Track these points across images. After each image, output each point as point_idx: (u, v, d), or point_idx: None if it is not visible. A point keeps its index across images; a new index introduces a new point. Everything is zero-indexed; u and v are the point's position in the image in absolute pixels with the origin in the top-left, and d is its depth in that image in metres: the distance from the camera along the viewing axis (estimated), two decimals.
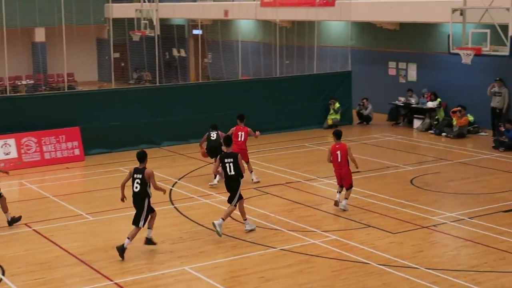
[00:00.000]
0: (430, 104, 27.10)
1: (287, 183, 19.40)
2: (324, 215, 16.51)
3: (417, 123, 27.34)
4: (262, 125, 25.37)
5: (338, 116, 27.86)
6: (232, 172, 15.06)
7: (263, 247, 14.26)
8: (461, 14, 20.01)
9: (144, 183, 14.09)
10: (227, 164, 15.11)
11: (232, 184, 15.16)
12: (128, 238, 13.96)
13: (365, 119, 28.53)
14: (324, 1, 29.74)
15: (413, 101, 28.04)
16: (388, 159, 21.95)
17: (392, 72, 30.14)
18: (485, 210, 16.51)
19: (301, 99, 27.27)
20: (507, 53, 18.94)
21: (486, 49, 19.51)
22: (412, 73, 29.31)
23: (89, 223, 16.33)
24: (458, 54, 20.24)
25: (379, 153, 22.93)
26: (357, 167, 17.04)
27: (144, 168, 14.28)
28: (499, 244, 14.14)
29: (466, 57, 19.89)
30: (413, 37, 28.91)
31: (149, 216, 14.20)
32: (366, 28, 30.92)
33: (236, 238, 14.85)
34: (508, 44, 18.71)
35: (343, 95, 28.35)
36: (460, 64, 20.68)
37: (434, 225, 15.47)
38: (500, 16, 19.02)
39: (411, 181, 19.30)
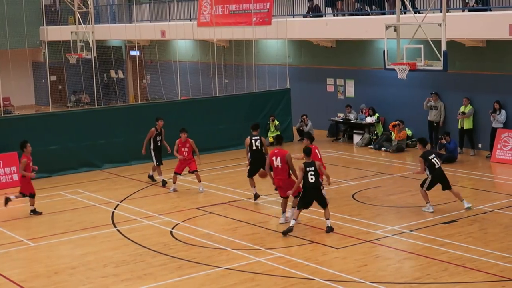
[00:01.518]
0: (369, 120, 27.47)
1: (230, 202, 19.40)
2: (268, 233, 16.53)
3: (356, 138, 27.68)
4: (203, 145, 25.36)
5: (278, 133, 27.98)
6: None
7: (208, 267, 14.20)
8: (395, 30, 20.34)
9: None
10: None
11: None
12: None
13: (305, 136, 28.69)
14: (261, 20, 29.93)
15: (352, 116, 28.38)
16: (329, 175, 22.05)
17: (330, 88, 30.46)
18: (426, 222, 16.76)
19: (241, 117, 27.34)
20: (441, 68, 19.29)
21: (421, 64, 19.84)
22: (350, 89, 29.68)
23: (30, 249, 16.05)
24: (394, 70, 20.55)
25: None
26: (328, 182, 17.24)
27: None
28: (441, 256, 14.36)
29: (402, 72, 20.20)
30: (349, 54, 29.30)
31: None
32: (303, 46, 31.22)
33: (181, 259, 14.77)
34: (442, 58, 19.07)
35: (282, 113, 28.56)
36: (397, 79, 21.00)
37: (377, 239, 15.63)
38: (433, 32, 19.40)
39: (352, 196, 19.49)
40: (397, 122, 25.88)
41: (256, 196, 19.12)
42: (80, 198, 20.55)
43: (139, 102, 34.77)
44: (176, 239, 16.16)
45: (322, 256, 14.64)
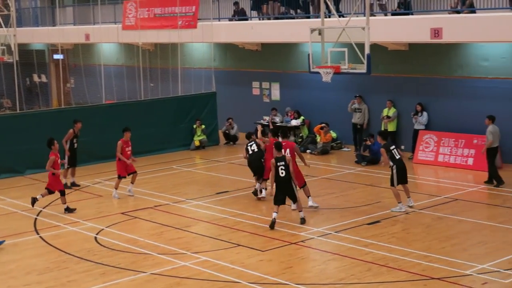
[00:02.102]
0: (294, 122, 27.67)
1: (155, 206, 19.25)
2: (194, 237, 16.47)
3: None
4: None
5: (205, 137, 27.97)
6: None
7: (133, 272, 14.06)
8: (320, 34, 20.51)
9: None
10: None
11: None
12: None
13: (231, 139, 28.76)
14: (186, 24, 29.83)
15: (277, 119, 28.52)
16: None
17: (256, 92, 30.57)
18: (351, 223, 16.95)
19: (167, 121, 27.21)
20: (364, 71, 19.55)
21: (345, 67, 20.05)
22: (276, 92, 29.84)
23: None
24: (318, 73, 20.72)
25: (247, 173, 23.04)
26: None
27: None
28: (365, 256, 14.54)
29: (326, 75, 20.38)
30: (275, 57, 29.46)
31: None
32: (229, 49, 31.25)
33: (105, 265, 14.58)
34: (365, 61, 19.32)
35: (208, 116, 28.51)
36: (321, 82, 21.18)
37: (302, 241, 15.73)
38: (357, 35, 19.63)
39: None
40: (323, 124, 26.12)
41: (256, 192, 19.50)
42: (1, 205, 20.09)
43: (63, 106, 34.20)
44: (101, 245, 15.95)
45: (247, 259, 14.65)
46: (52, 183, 18.77)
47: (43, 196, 18.93)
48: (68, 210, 18.74)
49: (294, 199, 17.00)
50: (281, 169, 16.63)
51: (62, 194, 18.79)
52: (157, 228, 17.20)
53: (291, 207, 17.90)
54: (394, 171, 17.76)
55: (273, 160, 16.79)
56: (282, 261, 14.45)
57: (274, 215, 16.65)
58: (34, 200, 19.09)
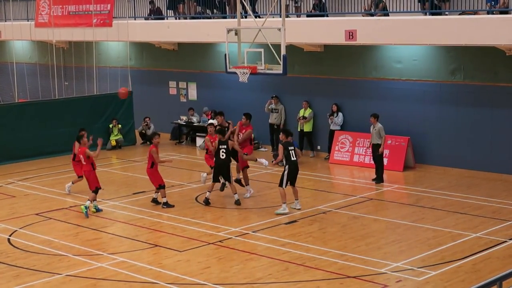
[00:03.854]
0: (211, 122, 27.62)
1: (70, 207, 18.95)
2: (110, 237, 16.30)
3: (199, 141, 27.77)
4: (42, 149, 24.78)
5: (121, 137, 27.68)
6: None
7: (48, 274, 13.80)
8: (236, 34, 20.55)
9: None
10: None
11: None
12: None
13: (148, 139, 28.54)
14: (101, 22, 29.44)
15: (194, 119, 28.47)
16: (172, 177, 22.08)
17: (173, 91, 30.43)
18: (268, 223, 17.06)
19: (82, 120, 26.74)
20: (281, 71, 19.67)
21: (261, 67, 20.12)
22: (193, 92, 29.77)
23: None
24: (235, 73, 20.75)
25: (163, 172, 22.94)
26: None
27: None
28: (282, 255, 14.66)
29: (243, 76, 20.41)
30: (192, 57, 29.38)
31: None
32: (145, 48, 31.00)
33: (19, 267, 14.27)
34: (282, 62, 19.45)
35: (125, 116, 28.23)
36: (238, 83, 21.22)
37: (220, 241, 15.75)
38: (273, 36, 19.74)
39: (196, 199, 19.54)
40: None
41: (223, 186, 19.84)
42: None
43: None
44: (14, 246, 15.60)
45: (165, 259, 14.59)
46: (154, 178, 19.00)
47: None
48: (167, 205, 18.71)
49: (229, 180, 18.77)
50: (222, 152, 18.62)
51: (161, 188, 18.92)
52: (72, 229, 16.95)
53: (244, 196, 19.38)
54: (286, 171, 17.83)
55: (216, 143, 18.80)
56: (200, 261, 14.44)
57: (208, 194, 18.69)
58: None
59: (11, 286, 13.27)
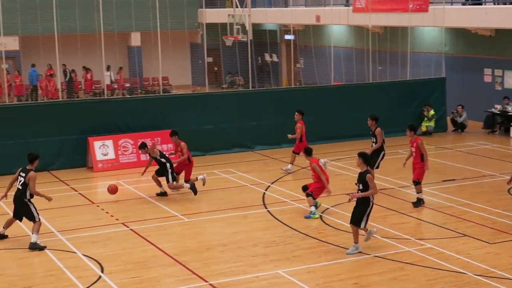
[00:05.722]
0: None
1: (380, 190, 19.20)
2: (418, 223, 16.34)
3: None
4: (354, 131, 25.37)
5: (432, 123, 27.46)
6: None
7: (356, 254, 14.19)
8: None
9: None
10: None
11: None
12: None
13: (459, 127, 28.04)
14: (417, 7, 29.38)
15: (510, 109, 27.40)
16: (483, 167, 21.51)
17: (487, 79, 29.56)
18: None
19: (393, 105, 27.00)
20: None
21: None
22: (509, 80, 28.70)
23: (183, 224, 16.59)
24: None
25: (474, 161, 22.52)
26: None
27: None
28: None
29: None
30: (509, 44, 28.27)
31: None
32: (460, 34, 30.42)
33: (330, 243, 14.83)
34: None
35: (437, 102, 27.92)
36: None
37: None
38: None
39: (508, 191, 18.84)
40: None
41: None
42: (232, 177, 21.02)
43: (292, 86, 35.03)
44: (326, 223, 16.24)
45: (474, 250, 14.29)
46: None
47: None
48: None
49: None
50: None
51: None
52: (381, 211, 17.05)
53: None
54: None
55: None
56: (511, 255, 13.94)
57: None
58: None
59: (322, 261, 13.84)
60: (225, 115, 24.51)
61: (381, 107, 26.51)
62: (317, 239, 15.10)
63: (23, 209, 14.92)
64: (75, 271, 13.50)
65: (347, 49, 35.68)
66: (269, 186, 19.82)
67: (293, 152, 21.37)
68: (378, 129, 19.16)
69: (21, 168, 15.03)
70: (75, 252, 14.60)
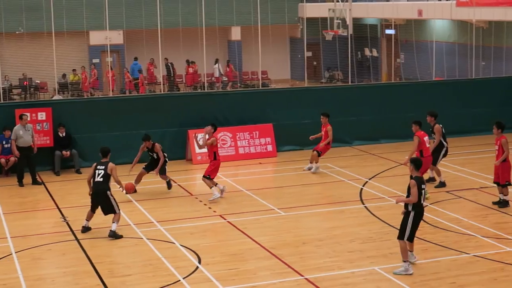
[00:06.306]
0: None
1: (481, 187, 18.82)
2: None
3: None
4: (454, 128, 24.74)
5: None
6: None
7: (455, 252, 13.94)
8: None
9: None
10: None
11: None
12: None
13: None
14: None
15: None
16: None
17: None
18: None
19: (496, 102, 26.22)
20: None
21: None
22: None
23: (280, 218, 16.64)
24: None
25: None
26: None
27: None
28: None
29: None
30: None
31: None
32: None
33: (427, 241, 14.62)
34: None
35: None
36: None
37: None
38: None
39: None
40: None
41: None
42: (329, 172, 20.96)
43: (392, 81, 34.63)
44: (424, 221, 15.94)
45: None
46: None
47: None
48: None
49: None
50: None
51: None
52: (482, 210, 16.82)
53: None
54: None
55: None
56: None
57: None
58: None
59: (420, 259, 13.59)
60: (323, 110, 24.37)
61: (483, 103, 25.88)
62: (415, 236, 14.88)
63: (105, 202, 15.33)
64: (173, 261, 13.76)
65: (449, 44, 34.98)
66: (367, 181, 19.67)
67: (315, 151, 20.98)
68: (437, 126, 18.67)
69: (95, 163, 15.50)
70: (174, 243, 14.87)
